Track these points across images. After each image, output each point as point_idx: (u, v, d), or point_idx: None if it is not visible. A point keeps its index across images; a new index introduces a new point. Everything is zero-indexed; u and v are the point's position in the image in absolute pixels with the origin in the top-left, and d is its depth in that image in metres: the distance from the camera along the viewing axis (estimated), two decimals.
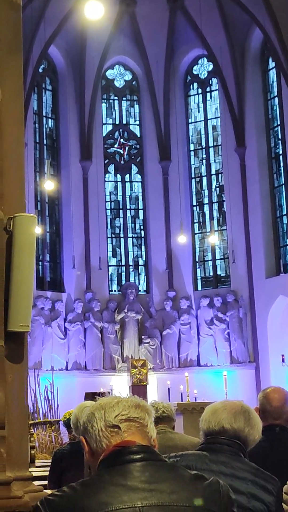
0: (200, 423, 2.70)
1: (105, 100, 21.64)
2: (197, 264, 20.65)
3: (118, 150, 21.40)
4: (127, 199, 21.20)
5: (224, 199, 20.53)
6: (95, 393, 13.21)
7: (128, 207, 21.17)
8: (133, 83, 21.80)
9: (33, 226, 3.07)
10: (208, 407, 2.71)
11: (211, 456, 2.54)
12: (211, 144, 21.27)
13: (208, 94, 21.49)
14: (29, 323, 2.98)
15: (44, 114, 20.52)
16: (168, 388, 15.99)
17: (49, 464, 5.00)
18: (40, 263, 19.50)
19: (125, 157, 21.36)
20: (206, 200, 21.00)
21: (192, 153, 21.38)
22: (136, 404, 1.89)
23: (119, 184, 21.29)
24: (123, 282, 20.53)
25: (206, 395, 15.29)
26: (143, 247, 20.96)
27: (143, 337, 19.20)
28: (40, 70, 20.21)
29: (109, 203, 21.04)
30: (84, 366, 18.68)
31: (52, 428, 13.74)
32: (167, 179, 20.60)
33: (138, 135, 21.61)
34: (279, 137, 19.68)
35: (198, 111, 21.54)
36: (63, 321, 18.79)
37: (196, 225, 21.00)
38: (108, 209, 20.93)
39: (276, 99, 19.89)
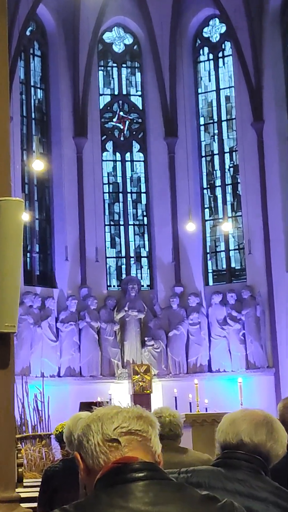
0: (216, 434, 2.70)
1: (102, 68, 21.58)
2: (208, 255, 20.64)
3: (117, 124, 21.35)
4: (128, 181, 21.16)
5: (239, 180, 20.49)
6: (91, 403, 13.24)
7: (128, 190, 21.14)
8: (134, 47, 21.73)
9: (20, 212, 3.07)
10: (226, 417, 2.70)
11: (227, 473, 2.53)
12: (224, 117, 21.20)
13: (220, 60, 21.41)
14: (16, 323, 2.98)
15: (32, 84, 20.47)
16: (175, 397, 16.01)
17: (39, 483, 5.01)
18: (28, 254, 19.48)
19: (125, 132, 21.32)
20: (218, 182, 20.97)
21: (202, 128, 21.32)
22: (138, 415, 1.88)
23: (119, 164, 21.25)
24: (123, 276, 20.53)
25: (219, 405, 15.31)
26: (146, 236, 20.94)
27: (146, 339, 19.23)
28: (27, 33, 20.14)
29: (107, 185, 21.01)
30: (78, 372, 18.71)
31: (42, 443, 13.78)
32: (173, 158, 20.56)
33: (140, 108, 21.55)
34: None
35: (209, 80, 21.47)
36: (54, 320, 18.80)
37: (206, 210, 20.97)
38: (105, 193, 20.90)
39: None
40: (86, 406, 13.80)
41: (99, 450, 1.83)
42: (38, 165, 17.67)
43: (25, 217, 17.33)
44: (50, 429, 14.51)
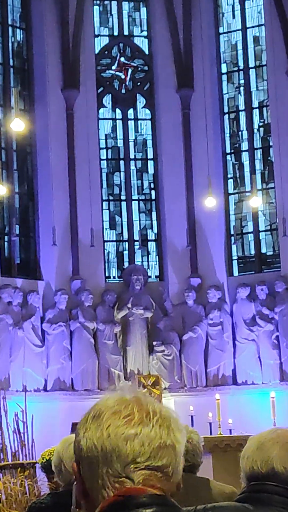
0: (241, 461, 2.70)
1: (98, 2, 21.49)
2: (232, 238, 20.62)
3: (118, 73, 21.29)
4: (131, 144, 21.12)
5: (271, 143, 20.44)
6: None
7: (132, 157, 21.10)
8: None
9: None
10: (253, 439, 2.70)
11: (254, 510, 2.54)
12: (252, 64, 21.13)
13: None
14: None
15: (10, 23, 20.42)
16: (191, 416, 16.05)
17: None
18: (6, 238, 19.48)
19: (127, 83, 21.26)
20: (244, 146, 20.92)
21: (224, 77, 21.26)
22: (163, 443, 1.79)
23: (119, 123, 21.20)
24: (126, 265, 20.54)
25: (246, 426, 15.34)
26: (153, 214, 20.92)
27: (154, 343, 19.25)
28: None
29: (104, 150, 20.98)
30: (70, 385, 18.76)
31: (25, 474, 13.82)
32: (188, 115, 20.50)
33: (146, 52, 21.48)
34: None
35: (233, 16, 21.39)
36: (39, 321, 18.84)
37: (230, 182, 20.93)
38: (103, 160, 20.87)
39: None
40: None
41: (102, 484, 1.79)
42: (17, 125, 17.59)
43: (2, 190, 17.30)
44: (34, 457, 14.54)
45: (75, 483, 1.72)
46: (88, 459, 1.80)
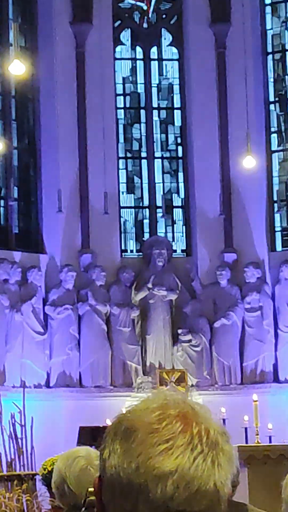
0: (283, 491, 2.70)
1: None
2: (275, 205, 20.55)
3: (139, 4, 21.17)
4: (154, 90, 21.07)
5: None
6: (97, 428, 13.19)
7: (155, 105, 21.09)
8: None
9: None
10: None
11: None
12: None
13: None
14: None
15: None
16: (223, 420, 15.99)
17: None
18: (2, 202, 19.49)
19: (150, 16, 21.17)
20: None
21: (268, 9, 21.13)
22: (203, 486, 1.71)
23: (140, 64, 21.16)
24: (146, 236, 20.49)
25: None
26: (180, 175, 20.88)
27: (180, 331, 19.29)
28: None
29: (121, 97, 20.98)
30: (77, 380, 18.84)
31: (22, 487, 13.83)
32: (223, 55, 20.45)
33: None
34: None
35: None
36: (41, 303, 18.92)
37: (273, 137, 20.87)
38: (120, 109, 20.87)
39: None
40: (89, 433, 13.73)
41: None
42: (17, 67, 17.56)
43: None
44: (34, 467, 14.57)
45: (83, 509, 1.63)
46: (110, 485, 1.76)
